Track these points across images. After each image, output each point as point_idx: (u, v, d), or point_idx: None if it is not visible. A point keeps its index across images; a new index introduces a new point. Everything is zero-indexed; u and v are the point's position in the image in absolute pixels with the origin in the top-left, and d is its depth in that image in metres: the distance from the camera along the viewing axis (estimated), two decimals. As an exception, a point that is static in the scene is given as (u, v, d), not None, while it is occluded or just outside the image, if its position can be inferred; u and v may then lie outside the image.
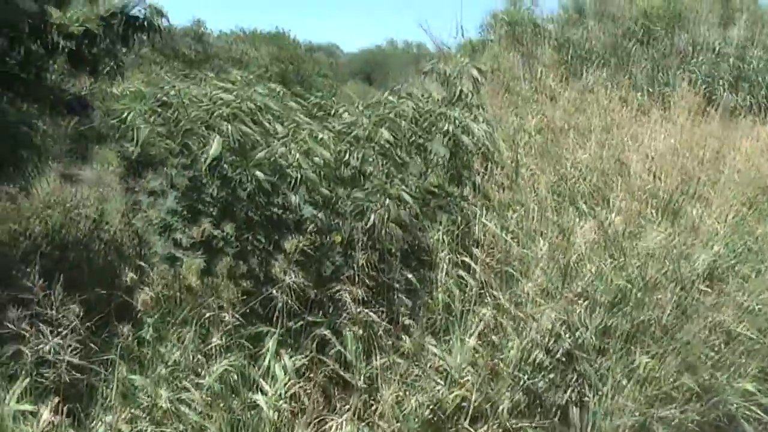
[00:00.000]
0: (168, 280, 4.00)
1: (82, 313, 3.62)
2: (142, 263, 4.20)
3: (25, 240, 6.36)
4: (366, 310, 3.58)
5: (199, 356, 3.73)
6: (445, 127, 4.28)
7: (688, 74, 20.84)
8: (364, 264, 3.66)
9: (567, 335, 3.61)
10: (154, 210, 4.09)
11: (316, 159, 3.73)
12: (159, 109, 3.75)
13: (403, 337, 3.75)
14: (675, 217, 4.68)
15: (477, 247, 4.10)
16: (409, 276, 3.98)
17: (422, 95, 4.71)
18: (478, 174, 4.51)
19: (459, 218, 4.36)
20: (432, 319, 3.91)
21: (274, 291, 3.59)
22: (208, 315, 3.68)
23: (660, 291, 3.75)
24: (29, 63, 5.92)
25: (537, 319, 3.37)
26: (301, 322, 3.76)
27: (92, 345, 3.63)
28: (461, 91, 4.72)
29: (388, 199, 3.73)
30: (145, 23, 5.96)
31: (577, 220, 4.25)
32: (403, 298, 3.88)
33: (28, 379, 3.20)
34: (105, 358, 3.60)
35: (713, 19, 23.65)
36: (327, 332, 3.72)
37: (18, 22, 5.47)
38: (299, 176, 3.65)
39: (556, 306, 3.37)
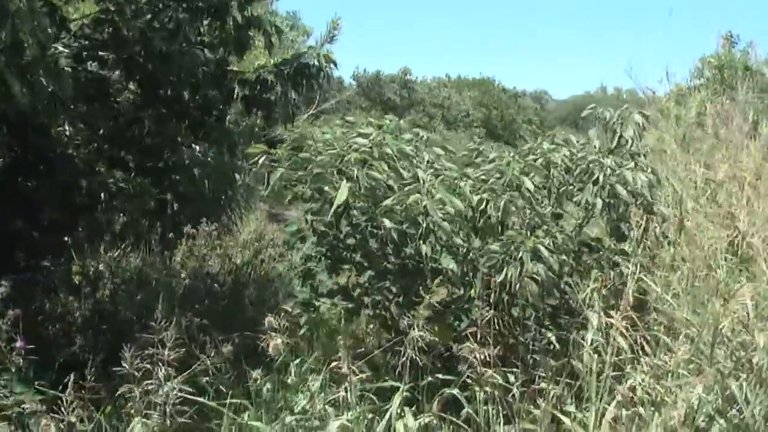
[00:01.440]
0: (302, 326, 3.98)
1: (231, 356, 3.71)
2: (284, 307, 4.20)
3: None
4: (495, 372, 3.33)
5: (327, 407, 3.65)
6: (596, 176, 3.97)
7: None
8: (497, 321, 3.43)
9: (729, 412, 3.17)
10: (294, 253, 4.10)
11: (449, 208, 3.56)
12: (293, 153, 3.75)
13: (538, 401, 3.47)
14: None
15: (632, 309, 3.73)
16: (550, 336, 3.70)
17: (578, 142, 4.42)
18: (638, 227, 4.13)
19: (613, 275, 4.02)
20: (573, 384, 3.58)
21: (406, 344, 3.44)
22: (335, 364, 3.60)
23: None
24: (210, 108, 6.23)
25: (677, 393, 2.97)
26: (430, 379, 3.58)
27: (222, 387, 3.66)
28: (621, 137, 4.38)
29: (523, 253, 3.48)
30: (315, 70, 6.11)
31: (744, 280, 3.76)
32: (541, 358, 3.60)
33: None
34: (234, 401, 3.60)
35: None
36: (456, 391, 3.52)
37: (198, 71, 5.78)
38: (427, 225, 3.49)
39: (703, 379, 2.95)
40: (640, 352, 3.49)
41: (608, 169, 4.00)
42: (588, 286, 3.90)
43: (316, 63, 6.11)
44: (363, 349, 4.00)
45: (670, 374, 3.07)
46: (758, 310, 3.52)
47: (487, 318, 3.41)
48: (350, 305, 4.00)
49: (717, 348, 3.19)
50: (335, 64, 6.19)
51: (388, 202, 3.46)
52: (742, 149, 8.07)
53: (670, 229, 4.26)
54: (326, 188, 3.68)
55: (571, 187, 4.14)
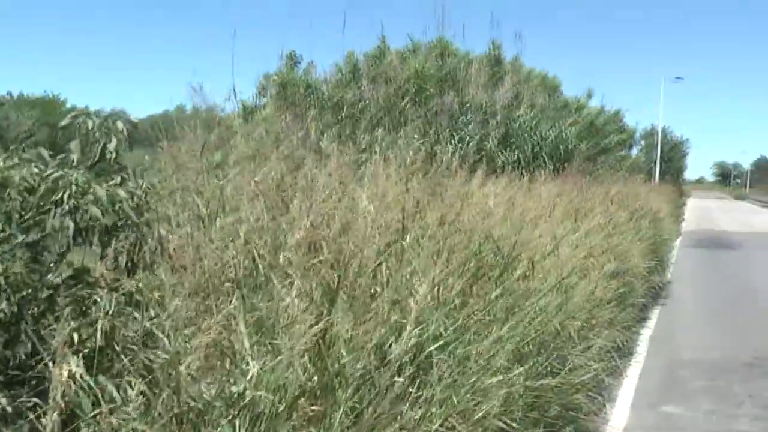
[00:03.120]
0: None
1: None
2: None
3: None
4: None
5: None
6: (60, 195, 3.28)
7: (458, 132, 21.30)
8: None
9: None
10: None
11: None
12: None
13: None
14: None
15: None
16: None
17: (50, 156, 3.68)
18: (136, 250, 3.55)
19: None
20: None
21: None
22: None
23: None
24: None
25: None
26: None
27: None
28: (104, 148, 3.74)
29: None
30: None
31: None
32: None
33: None
34: None
35: (482, 80, 24.51)
36: None
37: None
38: None
39: None
40: None
41: (74, 186, 3.33)
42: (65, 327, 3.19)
43: None
44: None
45: None
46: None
47: None
48: None
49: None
50: None
51: None
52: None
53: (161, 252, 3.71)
54: None
55: (35, 210, 3.38)
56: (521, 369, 3.93)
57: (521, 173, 12.36)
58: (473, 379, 3.45)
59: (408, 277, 3.78)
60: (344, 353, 3.20)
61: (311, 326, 3.14)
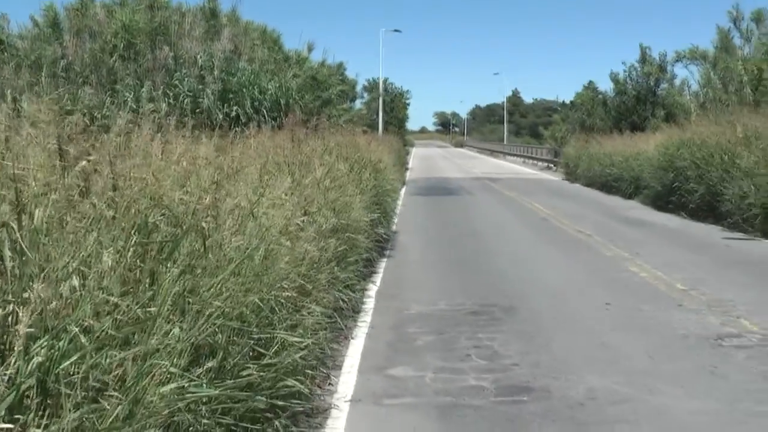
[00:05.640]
0: None
1: None
2: None
3: None
4: None
5: None
6: None
7: (172, 89, 19.89)
8: None
9: None
10: None
11: None
12: None
13: None
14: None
15: None
16: None
17: None
18: None
19: None
20: None
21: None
22: None
23: None
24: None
25: None
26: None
27: None
28: None
29: None
30: None
31: None
32: None
33: None
34: None
35: (197, 33, 23.12)
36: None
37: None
38: None
39: None
40: None
41: None
42: None
43: None
44: None
45: None
46: None
47: None
48: None
49: None
50: None
51: None
52: None
53: None
54: None
55: None
56: (200, 370, 3.10)
57: (242, 129, 11.49)
58: (129, 399, 2.54)
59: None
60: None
61: None
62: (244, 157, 7.16)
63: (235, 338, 3.72)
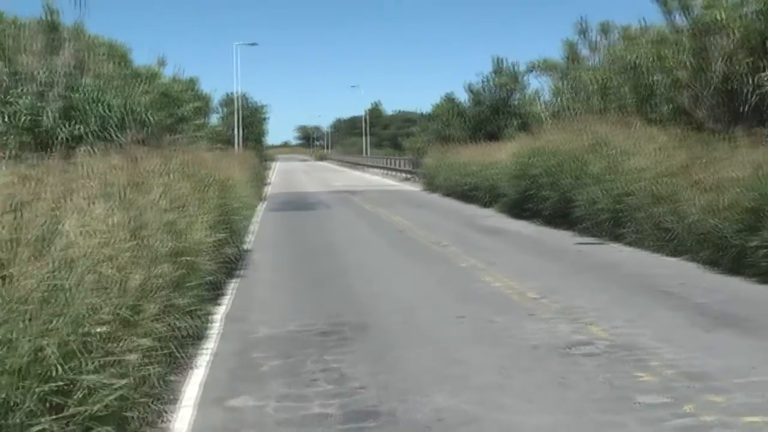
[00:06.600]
0: None
1: None
2: None
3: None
4: None
5: None
6: None
7: (9, 107, 18.58)
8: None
9: None
10: None
11: None
12: None
13: None
14: None
15: None
16: None
17: None
18: None
19: None
20: None
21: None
22: None
23: None
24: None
25: None
26: None
27: None
28: None
29: None
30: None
31: None
32: None
33: None
34: None
35: (36, 48, 21.75)
36: None
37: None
38: None
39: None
40: None
41: None
42: None
43: None
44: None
45: None
46: None
47: None
48: None
49: None
50: None
51: None
52: None
53: None
54: None
55: None
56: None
57: (90, 148, 10.75)
58: None
59: None
60: None
61: None
62: (65, 181, 6.57)
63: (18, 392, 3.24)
